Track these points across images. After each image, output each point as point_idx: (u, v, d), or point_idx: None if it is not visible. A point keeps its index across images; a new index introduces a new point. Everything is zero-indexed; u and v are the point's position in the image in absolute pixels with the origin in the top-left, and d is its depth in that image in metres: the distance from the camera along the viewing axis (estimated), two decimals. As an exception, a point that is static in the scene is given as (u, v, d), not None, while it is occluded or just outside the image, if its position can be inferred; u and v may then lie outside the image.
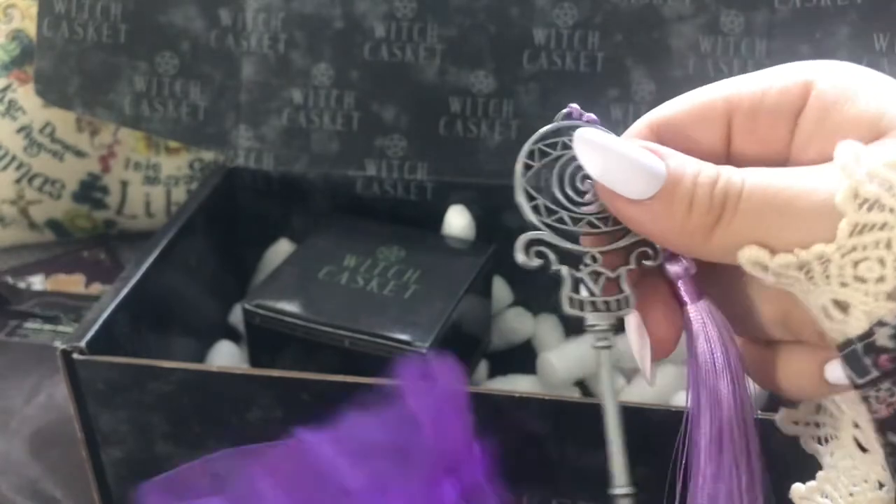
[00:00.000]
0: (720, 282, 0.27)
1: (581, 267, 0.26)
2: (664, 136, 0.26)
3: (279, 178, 0.54)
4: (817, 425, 0.27)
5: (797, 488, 0.28)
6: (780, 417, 0.28)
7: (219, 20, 0.53)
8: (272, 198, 0.54)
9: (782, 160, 0.25)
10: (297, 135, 0.53)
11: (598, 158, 0.25)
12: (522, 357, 0.52)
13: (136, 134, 0.62)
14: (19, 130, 0.61)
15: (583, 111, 0.27)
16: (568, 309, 0.26)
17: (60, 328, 0.56)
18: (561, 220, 0.26)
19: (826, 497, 0.28)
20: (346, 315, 0.44)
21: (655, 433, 0.35)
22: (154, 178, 0.64)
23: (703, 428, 0.26)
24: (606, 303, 0.25)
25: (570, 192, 0.26)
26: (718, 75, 0.51)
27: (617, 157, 0.24)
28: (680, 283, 0.26)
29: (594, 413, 0.35)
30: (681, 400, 0.47)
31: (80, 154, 0.63)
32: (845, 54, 0.49)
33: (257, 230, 0.55)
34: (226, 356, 0.49)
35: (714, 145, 0.26)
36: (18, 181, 0.63)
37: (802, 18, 0.50)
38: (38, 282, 0.62)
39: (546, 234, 0.26)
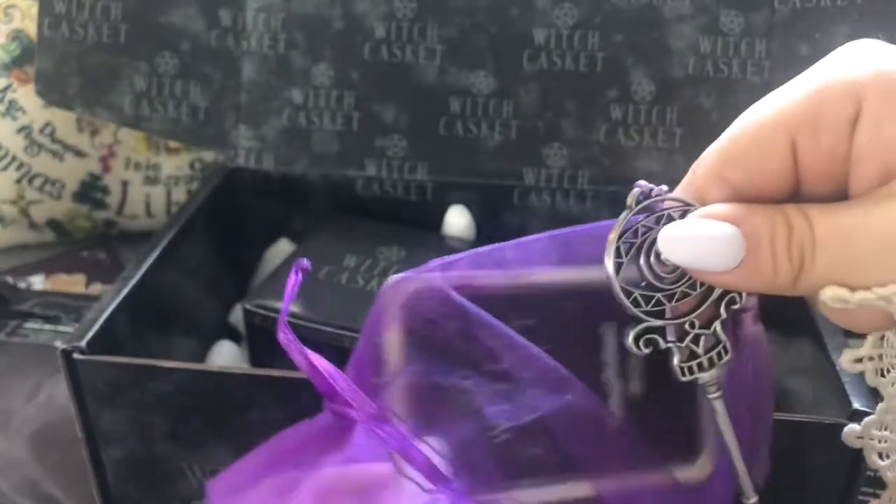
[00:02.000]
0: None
1: (684, 336, 0.29)
2: (733, 176, 0.27)
3: (279, 179, 0.54)
4: (880, 358, 0.29)
5: (851, 429, 0.31)
6: (844, 359, 0.30)
7: (219, 20, 0.53)
8: (272, 198, 0.54)
9: (846, 170, 0.26)
10: (298, 135, 0.53)
11: (681, 252, 0.27)
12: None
13: (137, 134, 0.62)
14: (19, 130, 0.62)
15: (651, 186, 0.28)
16: (681, 378, 0.29)
17: (61, 328, 0.57)
18: (658, 302, 0.28)
19: (886, 429, 0.30)
20: (346, 315, 0.44)
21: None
22: (154, 179, 0.64)
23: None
24: (711, 360, 0.29)
25: (657, 271, 0.28)
26: (718, 75, 0.51)
27: (697, 246, 0.27)
28: (744, 315, 0.30)
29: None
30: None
31: (80, 154, 0.63)
32: (845, 54, 0.49)
33: (257, 230, 0.55)
34: (226, 356, 0.49)
35: (783, 169, 0.27)
36: (19, 181, 0.63)
37: (802, 18, 0.50)
38: (38, 282, 0.62)
39: (652, 322, 0.28)
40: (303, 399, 0.37)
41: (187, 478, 0.39)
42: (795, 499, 0.35)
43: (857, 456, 0.34)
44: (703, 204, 0.27)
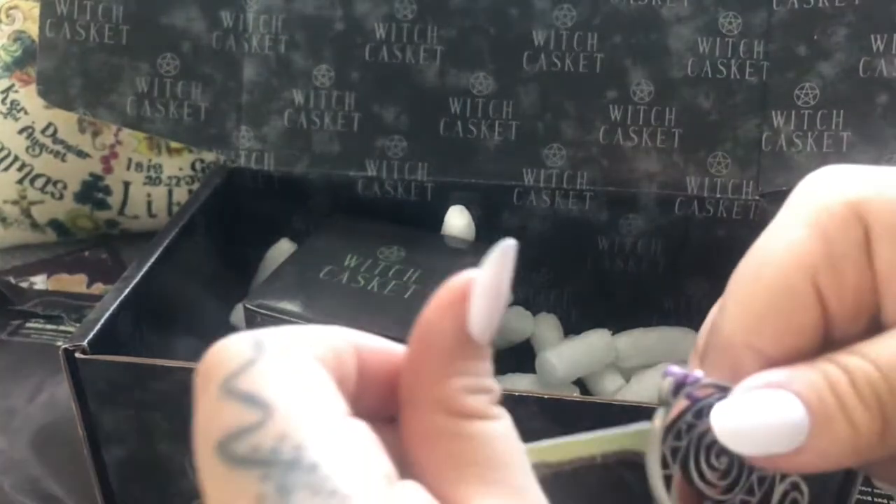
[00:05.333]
0: None
1: None
2: (762, 342, 0.24)
3: (280, 179, 0.54)
4: None
5: None
6: None
7: (220, 21, 0.53)
8: (273, 198, 0.54)
9: (877, 297, 0.24)
10: (298, 135, 0.54)
11: (744, 441, 0.23)
12: (522, 356, 0.53)
13: (138, 135, 0.63)
14: (21, 131, 0.62)
15: (683, 373, 0.24)
16: None
17: (62, 328, 0.57)
18: None
19: None
20: (347, 315, 0.44)
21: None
22: (156, 179, 0.65)
23: None
24: None
25: (707, 475, 0.25)
26: (717, 76, 0.51)
27: (758, 429, 0.23)
28: None
29: (593, 412, 0.36)
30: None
31: (81, 155, 0.63)
32: (843, 55, 0.49)
33: (258, 230, 0.55)
34: (227, 356, 0.49)
35: (812, 319, 0.24)
36: (21, 181, 0.63)
37: (800, 20, 0.50)
38: (40, 281, 0.62)
39: None
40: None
41: (188, 477, 0.39)
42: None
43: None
44: (738, 381, 0.24)
